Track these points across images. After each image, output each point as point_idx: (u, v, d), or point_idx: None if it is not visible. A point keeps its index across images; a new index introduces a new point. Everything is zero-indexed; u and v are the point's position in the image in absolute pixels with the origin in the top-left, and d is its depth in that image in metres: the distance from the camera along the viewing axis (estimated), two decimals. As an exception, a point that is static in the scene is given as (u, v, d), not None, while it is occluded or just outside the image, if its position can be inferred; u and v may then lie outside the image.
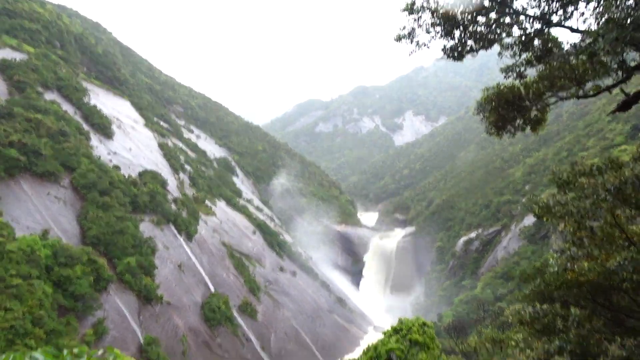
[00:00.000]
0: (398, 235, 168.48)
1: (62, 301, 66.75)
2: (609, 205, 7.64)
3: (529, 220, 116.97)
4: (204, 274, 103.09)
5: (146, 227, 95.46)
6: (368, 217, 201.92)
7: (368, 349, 27.11)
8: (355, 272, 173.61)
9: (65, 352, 5.49)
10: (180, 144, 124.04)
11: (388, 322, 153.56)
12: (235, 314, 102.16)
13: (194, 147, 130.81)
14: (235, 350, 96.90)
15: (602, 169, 8.16)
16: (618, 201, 7.67)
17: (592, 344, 7.29)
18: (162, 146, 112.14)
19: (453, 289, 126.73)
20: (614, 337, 7.12)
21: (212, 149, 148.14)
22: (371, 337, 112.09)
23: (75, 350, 5.50)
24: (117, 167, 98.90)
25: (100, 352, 5.98)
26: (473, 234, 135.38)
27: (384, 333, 28.57)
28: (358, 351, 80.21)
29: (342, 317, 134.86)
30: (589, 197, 7.81)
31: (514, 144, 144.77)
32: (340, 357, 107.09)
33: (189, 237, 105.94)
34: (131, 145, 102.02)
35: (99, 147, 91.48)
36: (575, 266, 7.52)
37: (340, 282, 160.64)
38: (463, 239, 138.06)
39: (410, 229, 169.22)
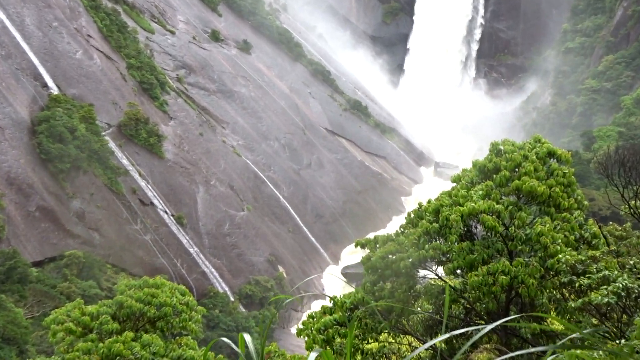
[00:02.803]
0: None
1: None
2: None
3: None
4: (28, 50, 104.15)
5: None
6: None
7: (420, 212, 28.06)
8: (391, 41, 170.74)
9: None
10: None
11: (466, 155, 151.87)
12: (114, 145, 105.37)
13: None
14: (118, 225, 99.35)
15: None
16: None
17: None
18: None
19: (621, 74, 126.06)
20: None
21: None
22: (428, 190, 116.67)
23: None
24: None
25: None
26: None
27: (455, 179, 29.49)
28: (397, 222, 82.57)
29: (363, 145, 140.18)
30: None
31: None
32: (358, 235, 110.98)
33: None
34: None
35: None
36: None
37: (358, 65, 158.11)
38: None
39: None
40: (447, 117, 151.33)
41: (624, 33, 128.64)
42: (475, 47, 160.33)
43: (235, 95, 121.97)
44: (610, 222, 31.08)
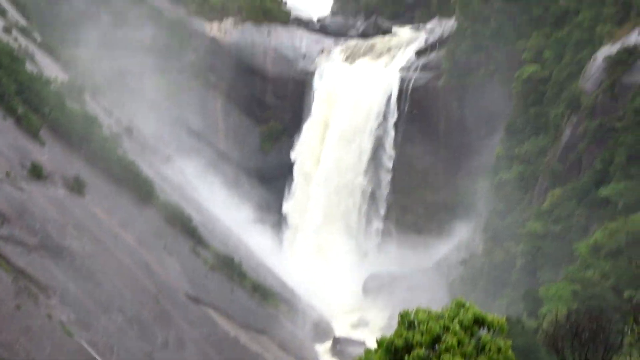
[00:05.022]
0: (404, 52, 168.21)
1: None
2: None
3: None
4: None
5: None
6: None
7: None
8: (273, 175, 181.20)
9: None
10: None
11: (374, 326, 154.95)
12: None
13: None
14: None
15: None
16: None
17: None
18: None
19: (572, 213, 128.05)
20: None
21: None
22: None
23: None
24: None
25: None
26: (633, 37, 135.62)
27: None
28: None
29: (237, 315, 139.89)
30: None
31: None
32: None
33: None
34: None
35: None
36: None
37: (230, 207, 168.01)
38: (604, 51, 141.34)
39: (443, 24, 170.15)
40: (349, 276, 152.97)
41: (575, 158, 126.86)
42: (384, 181, 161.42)
43: (65, 252, 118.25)
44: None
